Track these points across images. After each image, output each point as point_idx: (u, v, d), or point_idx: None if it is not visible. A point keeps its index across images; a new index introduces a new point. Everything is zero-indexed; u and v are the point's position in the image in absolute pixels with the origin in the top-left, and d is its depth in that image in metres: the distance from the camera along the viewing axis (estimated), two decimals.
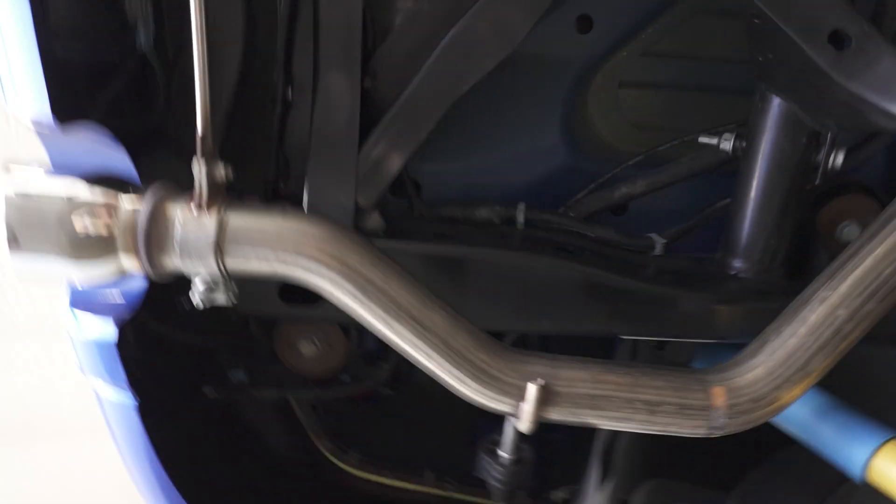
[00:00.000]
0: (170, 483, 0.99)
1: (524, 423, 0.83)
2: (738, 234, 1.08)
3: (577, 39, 1.12)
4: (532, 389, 0.81)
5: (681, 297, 1.05)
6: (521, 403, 0.82)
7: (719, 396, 0.84)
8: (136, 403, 0.96)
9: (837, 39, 0.86)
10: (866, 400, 1.04)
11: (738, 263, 1.09)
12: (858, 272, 0.88)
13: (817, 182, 1.03)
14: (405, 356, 0.84)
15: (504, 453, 1.01)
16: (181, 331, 1.08)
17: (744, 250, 1.08)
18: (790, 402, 0.88)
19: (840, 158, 1.01)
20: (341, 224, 0.84)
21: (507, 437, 1.01)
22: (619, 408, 0.83)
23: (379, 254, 0.83)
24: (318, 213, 0.89)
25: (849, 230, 1.15)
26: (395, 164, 1.00)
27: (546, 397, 0.82)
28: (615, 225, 1.16)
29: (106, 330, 0.92)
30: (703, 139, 1.12)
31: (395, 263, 0.84)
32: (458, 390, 0.83)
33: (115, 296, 0.96)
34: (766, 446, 1.20)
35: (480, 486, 1.44)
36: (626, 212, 1.21)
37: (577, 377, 0.84)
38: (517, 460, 1.01)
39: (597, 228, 1.14)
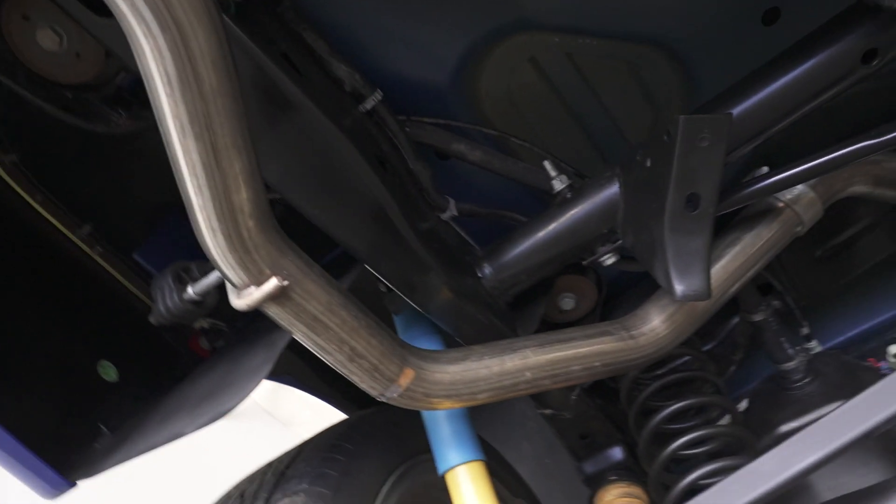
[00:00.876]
0: None
1: (240, 303, 0.77)
2: (506, 250, 1.17)
3: None
4: (271, 284, 0.76)
5: (429, 264, 1.09)
6: (251, 287, 0.76)
7: (406, 378, 0.91)
8: None
9: (692, 200, 0.96)
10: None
11: (487, 270, 1.17)
12: (557, 355, 1.03)
13: (584, 263, 1.17)
14: (171, 160, 0.70)
15: (192, 290, 0.94)
16: None
17: (500, 265, 1.17)
18: (445, 408, 1.00)
19: (610, 261, 1.15)
20: None
21: (207, 282, 0.94)
22: (329, 341, 0.84)
23: (225, 37, 0.66)
24: None
25: (566, 301, 1.33)
26: None
27: (276, 297, 0.77)
28: (432, 167, 1.14)
29: None
30: (546, 164, 1.16)
31: (234, 66, 0.68)
32: (200, 230, 0.72)
33: None
34: None
35: (126, 267, 1.33)
36: (447, 161, 1.20)
37: (316, 296, 0.81)
38: (199, 302, 0.96)
39: (418, 162, 1.10)
